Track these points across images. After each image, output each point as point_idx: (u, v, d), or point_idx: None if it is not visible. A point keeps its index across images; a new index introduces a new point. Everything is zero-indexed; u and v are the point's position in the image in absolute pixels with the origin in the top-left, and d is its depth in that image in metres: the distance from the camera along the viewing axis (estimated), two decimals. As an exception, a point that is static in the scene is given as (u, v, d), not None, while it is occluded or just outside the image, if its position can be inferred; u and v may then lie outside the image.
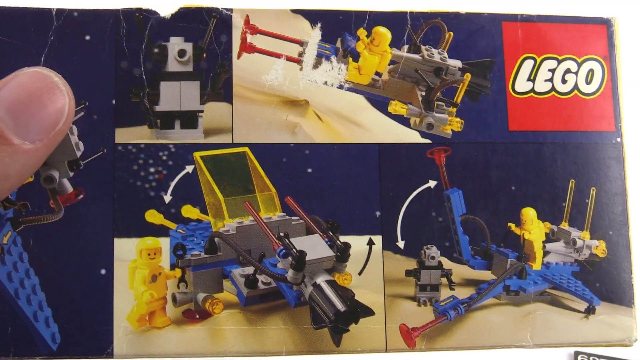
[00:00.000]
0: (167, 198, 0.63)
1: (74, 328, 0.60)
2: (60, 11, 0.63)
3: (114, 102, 0.62)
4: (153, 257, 0.62)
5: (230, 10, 0.65)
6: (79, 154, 0.58)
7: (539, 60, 0.68)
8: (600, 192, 0.67)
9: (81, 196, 0.61)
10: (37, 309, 0.59)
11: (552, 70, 0.68)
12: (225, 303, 0.62)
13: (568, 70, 0.68)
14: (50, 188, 0.59)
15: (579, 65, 0.68)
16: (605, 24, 0.69)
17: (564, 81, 0.68)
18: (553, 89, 0.68)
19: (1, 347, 0.59)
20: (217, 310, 0.62)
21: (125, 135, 0.62)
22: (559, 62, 0.68)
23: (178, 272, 0.63)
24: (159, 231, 0.62)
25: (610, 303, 0.66)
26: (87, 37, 0.63)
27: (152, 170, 0.62)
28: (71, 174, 0.58)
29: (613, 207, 0.67)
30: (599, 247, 0.67)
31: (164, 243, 0.62)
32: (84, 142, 0.59)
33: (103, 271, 0.61)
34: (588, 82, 0.68)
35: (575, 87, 0.68)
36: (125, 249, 0.61)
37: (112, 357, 0.60)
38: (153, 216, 0.62)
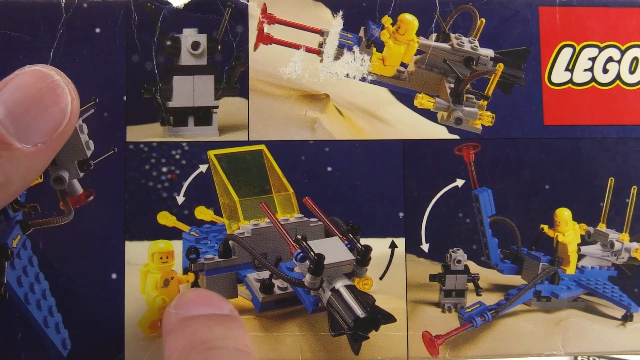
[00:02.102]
0: (180, 199, 0.60)
1: (84, 334, 0.58)
2: (69, 3, 0.60)
3: (125, 98, 0.60)
4: (165, 261, 0.60)
5: (247, -2, 0.62)
6: (89, 153, 0.57)
7: (578, 48, 0.63)
8: (641, 191, 0.63)
9: (91, 197, 0.59)
10: (47, 315, 0.58)
11: (593, 59, 0.63)
12: (239, 309, 0.60)
13: (610, 59, 0.63)
14: (60, 189, 0.57)
15: (622, 53, 0.63)
16: (652, 8, 0.64)
17: (605, 71, 0.63)
18: (593, 79, 0.63)
19: (11, 354, 0.58)
20: (232, 316, 0.60)
21: (137, 133, 0.60)
22: (600, 49, 0.63)
23: (191, 276, 0.61)
24: (172, 234, 0.60)
25: (649, 310, 0.63)
26: (97, 30, 0.60)
27: (164, 170, 0.60)
28: (81, 174, 0.57)
29: (656, 207, 0.63)
30: (639, 250, 0.63)
31: (177, 246, 0.60)
32: (94, 141, 0.58)
33: (114, 275, 0.59)
34: (632, 71, 0.63)
35: (618, 77, 0.63)
36: (137, 252, 0.59)
37: (124, 364, 0.59)
38: (165, 218, 0.60)
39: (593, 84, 0.64)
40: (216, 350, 0.50)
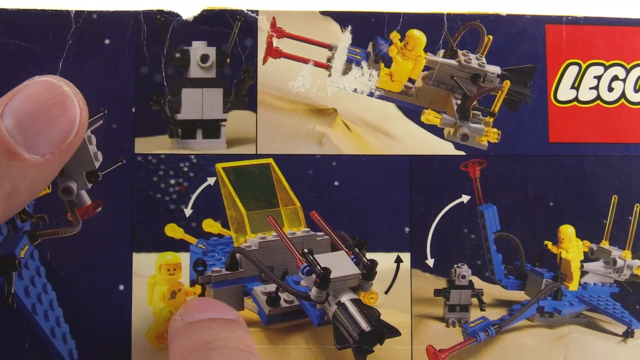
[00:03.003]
0: (188, 211, 0.61)
1: (91, 345, 0.59)
2: (79, 13, 0.60)
3: (133, 109, 0.60)
4: (172, 273, 0.60)
5: (256, 12, 0.62)
6: (97, 164, 0.57)
7: (584, 66, 0.64)
8: (644, 208, 0.64)
9: (99, 209, 0.59)
10: (54, 325, 0.58)
11: (598, 77, 0.64)
12: (246, 321, 0.59)
13: (615, 77, 0.64)
14: (68, 200, 0.57)
15: (628, 71, 0.64)
16: (657, 27, 0.65)
17: (610, 89, 0.64)
18: (598, 97, 0.64)
19: (18, 364, 0.59)
20: (238, 328, 0.60)
21: (145, 145, 0.60)
22: (606, 68, 0.64)
23: (198, 288, 0.61)
24: (179, 246, 0.60)
25: (650, 327, 0.63)
26: (107, 41, 0.60)
27: (172, 182, 0.60)
28: (89, 185, 0.57)
29: (658, 225, 0.64)
30: (641, 267, 0.64)
31: (184, 258, 0.60)
32: (103, 152, 0.58)
33: (121, 287, 0.59)
34: (637, 90, 0.64)
35: (623, 95, 0.64)
36: (144, 264, 0.60)
37: (130, 375, 0.59)
38: (173, 230, 0.60)
39: (598, 102, 0.64)
40: (218, 350, 0.50)
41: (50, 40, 0.60)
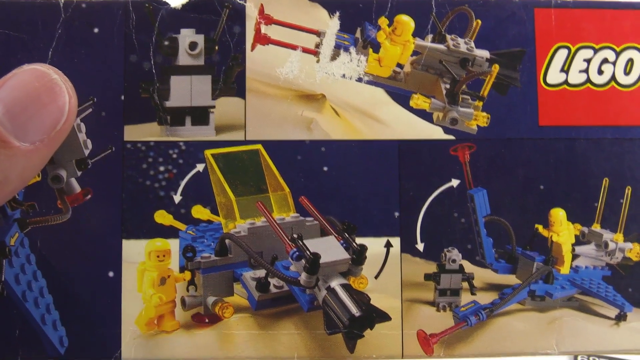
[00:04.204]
0: (177, 198, 0.61)
1: (81, 331, 0.59)
2: (68, 3, 0.60)
3: (123, 97, 0.60)
4: (162, 259, 0.60)
5: (244, -1, 0.62)
6: (87, 152, 0.57)
7: (573, 49, 0.63)
8: (636, 191, 0.63)
9: (89, 196, 0.59)
10: (44, 312, 0.59)
11: (588, 60, 0.64)
12: (235, 307, 0.60)
13: (605, 60, 0.64)
14: (57, 188, 0.58)
15: (617, 54, 0.64)
16: (647, 10, 0.64)
17: (600, 72, 0.64)
18: (588, 80, 0.64)
19: (9, 351, 0.58)
20: (227, 314, 0.60)
21: (135, 133, 0.60)
22: (596, 51, 0.64)
23: (187, 274, 0.61)
24: (169, 232, 0.61)
25: (643, 310, 0.63)
26: (96, 30, 0.61)
27: (161, 169, 0.61)
28: (79, 173, 0.57)
29: (650, 208, 0.63)
30: (633, 250, 0.63)
31: (174, 245, 0.61)
32: (92, 140, 0.58)
33: (111, 273, 0.59)
34: (627, 72, 0.64)
35: (613, 78, 0.64)
36: (134, 250, 0.60)
37: (120, 362, 0.60)
38: (162, 217, 0.61)
39: (588, 85, 0.64)
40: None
41: (40, 30, 0.61)
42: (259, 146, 0.62)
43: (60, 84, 0.49)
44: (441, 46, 0.63)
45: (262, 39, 0.62)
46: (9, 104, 0.47)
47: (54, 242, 0.59)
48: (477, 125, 0.63)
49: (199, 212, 0.61)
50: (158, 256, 0.60)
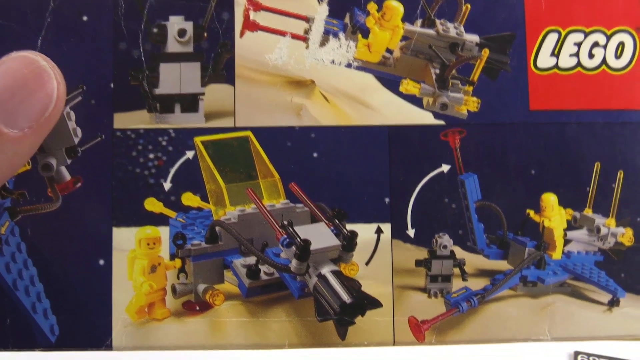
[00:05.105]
0: (167, 185, 0.61)
1: (72, 320, 0.59)
2: (57, -10, 0.61)
3: (112, 85, 0.60)
4: (152, 247, 0.60)
5: (233, -15, 0.62)
6: (76, 140, 0.57)
7: (563, 33, 0.63)
8: (628, 175, 0.62)
9: (79, 184, 0.59)
10: (35, 300, 0.59)
11: (578, 44, 0.63)
12: (226, 294, 0.60)
13: (596, 44, 0.63)
14: (47, 176, 0.58)
15: (608, 38, 0.63)
16: (638, -8, 0.64)
17: (591, 56, 0.63)
18: (579, 64, 0.63)
19: (0, 339, 0.59)
20: (218, 301, 0.60)
21: (124, 120, 0.60)
22: (586, 34, 0.63)
23: (178, 262, 0.61)
24: (159, 220, 0.61)
25: (636, 295, 0.62)
26: (85, 18, 0.61)
27: (151, 156, 0.61)
28: (69, 161, 0.57)
29: (642, 192, 0.63)
30: (625, 235, 0.63)
31: (164, 232, 0.61)
32: (82, 128, 0.57)
33: (101, 262, 0.59)
34: (618, 56, 0.63)
35: (604, 62, 0.63)
36: (124, 238, 0.60)
37: (111, 349, 0.59)
38: (152, 204, 0.61)
39: (579, 69, 0.63)
40: None
41: (29, 18, 0.60)
42: (249, 133, 0.61)
43: (48, 70, 0.49)
44: (430, 31, 0.63)
45: (250, 26, 0.62)
46: (-3, 91, 0.47)
47: (45, 231, 0.59)
48: (468, 110, 0.62)
49: (189, 199, 0.61)
50: (148, 244, 0.60)
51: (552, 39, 0.63)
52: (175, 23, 0.61)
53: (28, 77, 0.48)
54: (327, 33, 0.62)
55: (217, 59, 0.62)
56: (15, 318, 0.59)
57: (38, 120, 0.48)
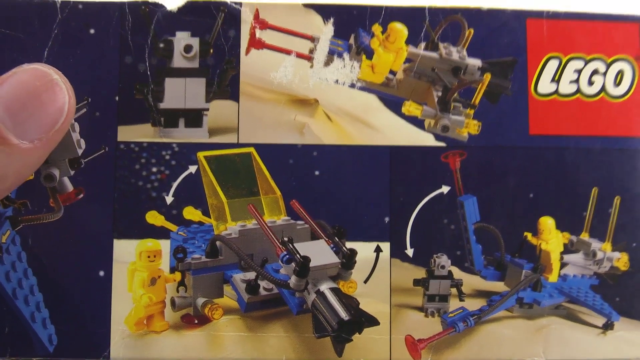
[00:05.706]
0: (169, 199, 0.61)
1: (71, 330, 0.59)
2: (65, 3, 0.61)
3: (117, 98, 0.61)
4: (153, 260, 0.60)
5: (240, 3, 0.62)
6: (80, 151, 0.57)
7: (564, 60, 0.64)
8: (624, 201, 0.63)
9: (81, 195, 0.59)
10: (34, 310, 0.59)
11: (579, 71, 0.64)
12: (225, 308, 0.61)
13: (595, 71, 0.64)
14: (50, 186, 0.58)
15: (608, 66, 0.64)
16: (637, 22, 0.64)
17: (590, 83, 0.64)
18: (578, 90, 0.64)
19: (-2, 348, 0.59)
20: (217, 315, 0.60)
21: (128, 133, 0.61)
22: (586, 62, 0.64)
23: (178, 275, 0.61)
24: (160, 233, 0.61)
25: (630, 319, 0.63)
26: (92, 31, 0.61)
27: (154, 170, 0.61)
28: (72, 172, 0.57)
29: (638, 218, 0.64)
30: (621, 260, 0.64)
31: (165, 245, 0.61)
32: (86, 140, 0.58)
33: (101, 273, 0.60)
34: (617, 84, 0.64)
35: (603, 89, 0.64)
36: (125, 250, 0.60)
37: (109, 361, 0.60)
38: (154, 217, 0.61)
39: (578, 95, 0.64)
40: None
41: (36, 30, 0.61)
42: (252, 149, 0.62)
43: (60, 84, 0.49)
44: (434, 54, 0.64)
45: (256, 43, 0.62)
46: (9, 101, 0.47)
47: (46, 241, 0.59)
48: (468, 133, 0.63)
49: (191, 213, 0.61)
50: (149, 256, 0.60)
51: (553, 65, 0.64)
52: (181, 39, 0.62)
53: (40, 90, 0.49)
54: (331, 53, 0.63)
55: (222, 76, 0.62)
56: (14, 327, 0.59)
57: (48, 132, 0.49)
